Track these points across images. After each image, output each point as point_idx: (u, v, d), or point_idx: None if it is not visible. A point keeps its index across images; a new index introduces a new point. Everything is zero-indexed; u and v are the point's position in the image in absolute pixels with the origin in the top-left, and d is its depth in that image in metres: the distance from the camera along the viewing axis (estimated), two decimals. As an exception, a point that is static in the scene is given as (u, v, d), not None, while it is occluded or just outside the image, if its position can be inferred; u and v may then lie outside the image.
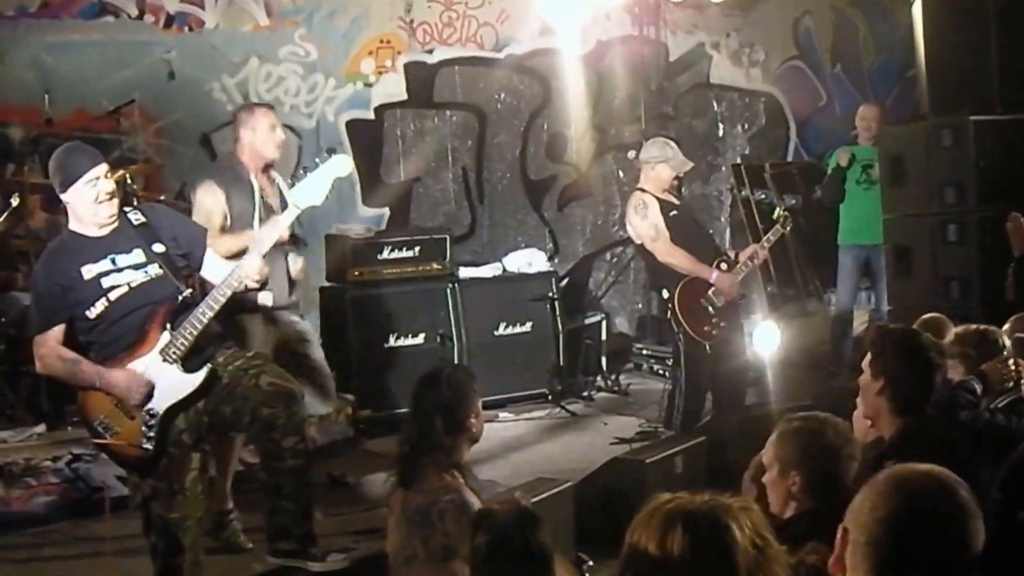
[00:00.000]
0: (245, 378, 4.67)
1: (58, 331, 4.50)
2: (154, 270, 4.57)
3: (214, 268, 4.81)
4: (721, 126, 11.40)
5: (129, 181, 7.29)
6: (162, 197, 7.89)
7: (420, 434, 4.07)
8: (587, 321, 9.34)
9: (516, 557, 3.07)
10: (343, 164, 4.96)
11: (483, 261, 9.21)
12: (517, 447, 7.29)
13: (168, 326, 4.50)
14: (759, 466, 3.45)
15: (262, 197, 5.65)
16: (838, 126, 10.78)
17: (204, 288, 4.77)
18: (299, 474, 4.87)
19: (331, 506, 5.85)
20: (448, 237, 8.63)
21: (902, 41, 10.26)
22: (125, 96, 8.40)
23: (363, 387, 7.78)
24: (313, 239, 6.94)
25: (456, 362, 7.98)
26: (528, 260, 9.00)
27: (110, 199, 4.52)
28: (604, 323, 9.43)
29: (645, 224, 7.03)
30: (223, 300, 4.54)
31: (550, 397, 8.46)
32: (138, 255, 4.57)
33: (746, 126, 11.53)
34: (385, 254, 8.26)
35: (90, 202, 4.48)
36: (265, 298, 5.48)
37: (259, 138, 5.69)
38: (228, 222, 5.57)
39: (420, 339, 8.25)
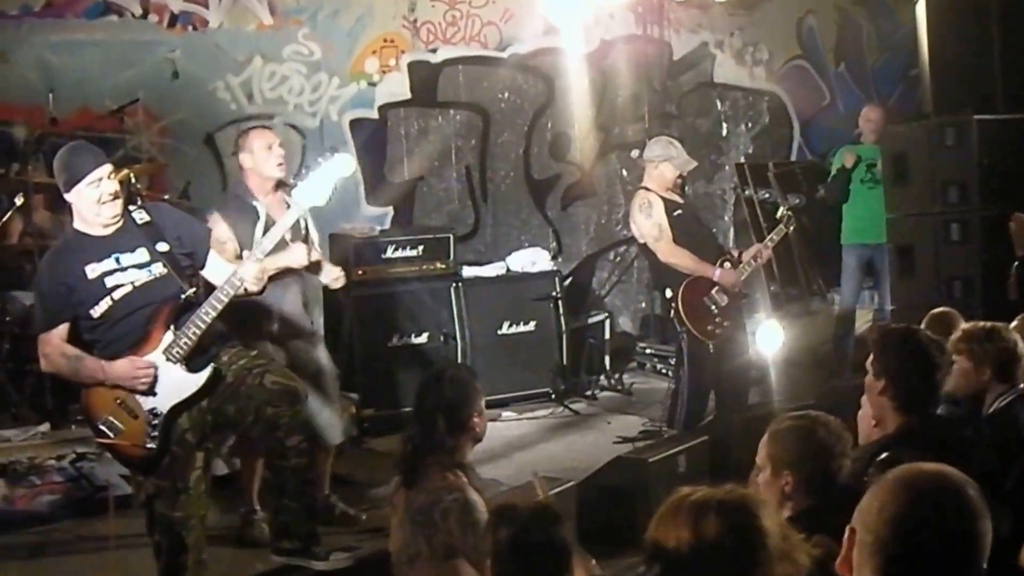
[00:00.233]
0: (249, 377, 4.68)
1: (62, 330, 4.51)
2: (158, 269, 4.57)
3: (216, 269, 4.82)
4: (725, 125, 11.40)
5: (133, 180, 7.30)
6: (166, 196, 7.90)
7: (423, 434, 4.07)
8: (590, 320, 9.34)
9: (539, 552, 3.09)
10: (345, 163, 4.97)
11: (487, 260, 9.21)
12: (520, 446, 7.30)
13: (172, 325, 4.51)
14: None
15: (269, 216, 5.59)
16: (842, 125, 10.77)
17: (208, 287, 4.77)
18: (302, 473, 4.88)
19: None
20: (452, 236, 8.64)
21: (905, 40, 10.26)
22: (129, 95, 8.41)
23: (366, 386, 7.79)
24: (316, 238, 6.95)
25: (459, 362, 7.99)
26: (532, 259, 9.00)
27: (113, 200, 4.52)
28: (607, 322, 9.43)
29: (649, 223, 7.03)
30: (226, 300, 4.55)
31: (553, 396, 8.47)
32: (142, 254, 4.58)
33: (750, 125, 11.52)
34: (389, 253, 8.27)
35: (93, 203, 4.49)
36: (270, 328, 5.53)
37: (258, 160, 5.65)
38: (239, 249, 5.51)
39: (424, 338, 8.26)
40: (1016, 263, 6.64)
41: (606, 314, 9.56)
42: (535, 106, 10.51)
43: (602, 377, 9.08)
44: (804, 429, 3.35)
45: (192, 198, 8.68)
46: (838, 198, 8.83)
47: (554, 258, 9.53)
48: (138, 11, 8.83)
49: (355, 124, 9.71)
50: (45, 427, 6.83)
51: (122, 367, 4.44)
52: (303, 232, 5.69)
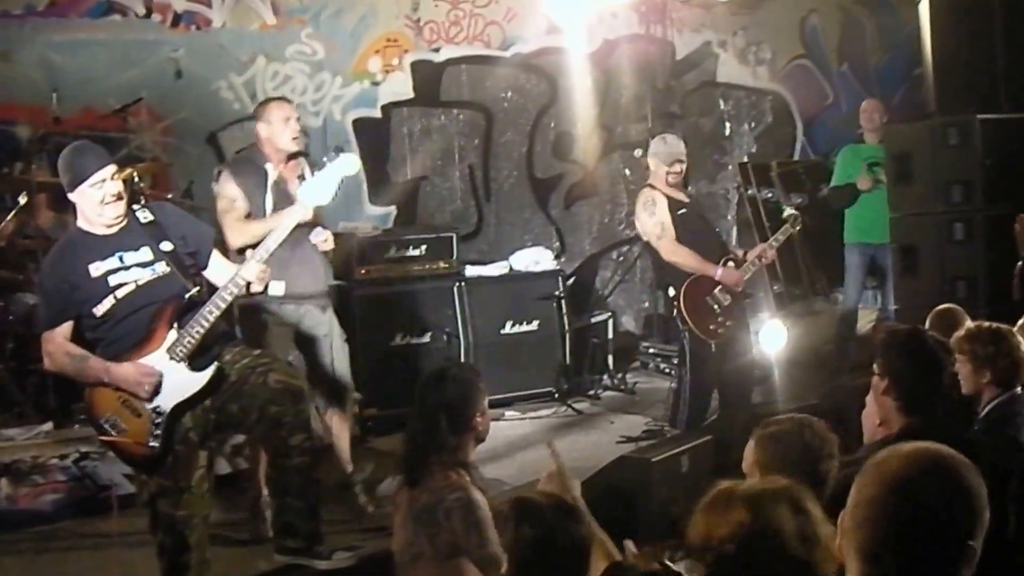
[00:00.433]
0: (253, 376, 4.68)
1: (66, 328, 4.51)
2: (161, 268, 4.58)
3: (219, 269, 4.83)
4: (728, 125, 11.39)
5: (136, 179, 7.30)
6: (169, 195, 7.90)
7: (425, 432, 4.08)
8: (593, 320, 9.34)
9: (561, 548, 3.12)
10: (351, 163, 4.97)
11: (489, 259, 9.21)
12: (523, 446, 7.29)
13: (175, 324, 4.51)
14: None
15: (278, 185, 5.67)
16: (845, 125, 10.76)
17: (210, 288, 4.78)
18: (306, 472, 4.88)
19: (337, 504, 5.86)
20: (455, 235, 8.64)
21: (909, 40, 10.25)
22: (132, 95, 8.42)
23: (369, 385, 7.78)
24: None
25: (462, 360, 7.98)
26: (535, 259, 9.00)
27: (116, 201, 4.53)
28: (611, 322, 9.43)
29: (652, 221, 7.04)
30: (229, 299, 4.56)
31: (556, 396, 8.47)
32: (146, 253, 4.58)
33: (753, 125, 11.52)
34: (392, 252, 8.27)
35: (96, 203, 4.49)
36: (276, 288, 5.54)
37: (275, 131, 5.76)
38: (249, 207, 5.66)
39: (426, 337, 8.26)
40: (1020, 263, 6.63)
41: (609, 313, 9.56)
42: (538, 105, 10.51)
43: (605, 377, 9.08)
44: (789, 433, 3.34)
45: (195, 197, 8.67)
46: (843, 206, 8.82)
47: (557, 257, 9.52)
48: (141, 11, 8.83)
49: (358, 123, 9.71)
50: (48, 426, 6.84)
51: (127, 371, 4.45)
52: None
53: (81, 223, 4.61)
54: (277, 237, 4.82)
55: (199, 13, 9.04)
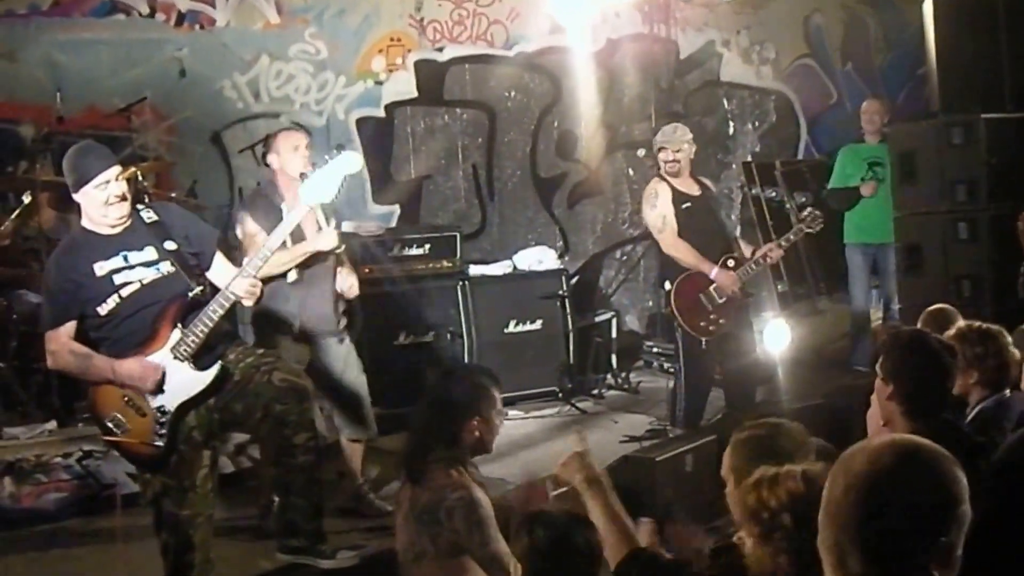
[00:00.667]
0: (257, 375, 4.68)
1: (70, 327, 4.52)
2: (166, 267, 4.58)
3: (221, 271, 4.83)
4: (731, 124, 11.38)
5: (140, 178, 7.30)
6: (172, 194, 7.91)
7: (424, 429, 4.09)
8: (597, 319, 9.34)
9: (573, 555, 3.17)
10: (352, 161, 4.97)
11: (493, 259, 9.22)
12: (527, 445, 7.29)
13: (179, 323, 4.51)
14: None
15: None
16: (848, 124, 10.72)
17: (214, 288, 4.78)
18: (309, 471, 4.88)
19: (340, 503, 5.86)
20: (458, 235, 8.65)
21: (913, 39, 10.24)
22: (136, 94, 8.42)
23: (373, 384, 7.74)
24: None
25: (468, 361, 7.98)
26: (538, 258, 9.00)
27: (120, 202, 4.53)
28: (614, 321, 9.43)
29: (653, 214, 7.03)
30: (228, 305, 4.56)
31: (560, 395, 8.47)
32: (150, 252, 4.59)
33: (756, 124, 11.51)
34: (395, 251, 8.28)
35: (100, 204, 4.50)
36: (292, 275, 5.73)
37: (284, 161, 5.86)
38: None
39: (430, 337, 8.27)
40: (1024, 261, 6.63)
41: (613, 313, 9.56)
42: (541, 105, 10.50)
43: (609, 376, 9.09)
44: (762, 438, 3.33)
45: (199, 196, 8.70)
46: (844, 208, 8.79)
47: (561, 257, 9.53)
48: (145, 10, 8.83)
49: (361, 123, 9.71)
50: (52, 425, 6.84)
51: (131, 366, 4.45)
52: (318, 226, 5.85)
53: (86, 222, 4.62)
54: (280, 237, 4.82)
55: (203, 12, 9.04)
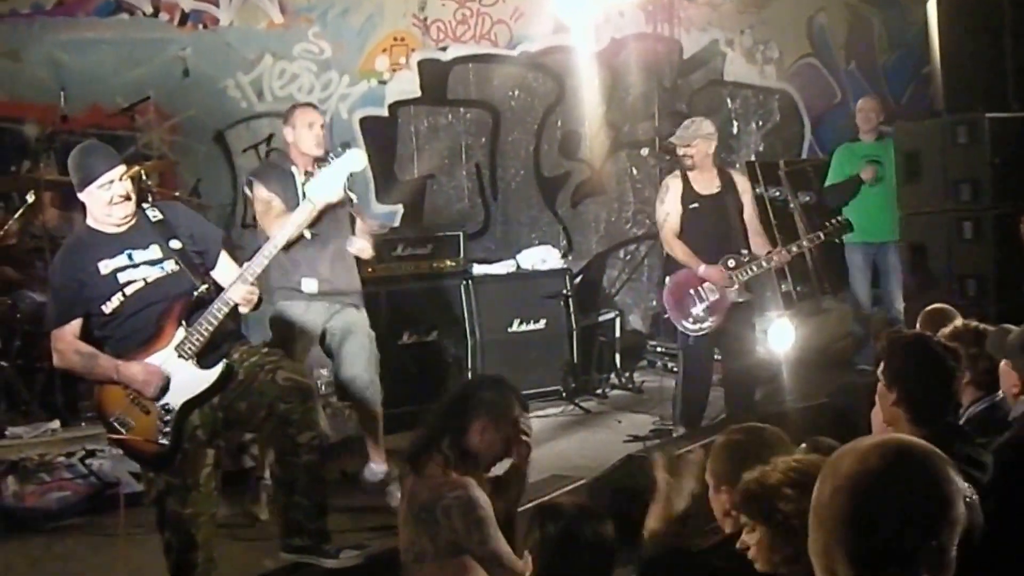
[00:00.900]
0: (261, 373, 4.67)
1: (75, 325, 4.52)
2: (170, 266, 4.58)
3: (225, 271, 4.83)
4: (735, 123, 11.38)
5: (144, 178, 7.30)
6: (176, 193, 7.91)
7: (436, 420, 4.12)
8: (601, 318, 9.33)
9: (585, 547, 3.20)
10: (357, 159, 4.97)
11: (497, 258, 9.21)
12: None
13: (184, 322, 4.51)
14: None
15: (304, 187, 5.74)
16: (852, 123, 10.71)
17: (218, 287, 4.77)
18: (313, 470, 4.87)
19: (344, 502, 5.86)
20: (462, 234, 8.65)
21: (917, 38, 10.21)
22: (140, 93, 8.42)
23: (376, 384, 7.78)
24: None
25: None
26: (542, 257, 9.00)
27: (124, 201, 4.53)
28: (618, 320, 9.41)
29: (661, 209, 7.15)
30: (227, 310, 4.57)
31: (564, 394, 8.46)
32: (155, 251, 4.59)
33: (760, 123, 11.50)
34: (399, 251, 8.28)
35: (104, 204, 4.51)
36: (309, 286, 5.85)
37: (299, 135, 5.96)
38: (284, 206, 5.78)
39: (433, 336, 8.26)
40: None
41: (616, 312, 9.55)
42: (545, 104, 10.50)
43: (612, 375, 9.08)
44: (742, 443, 3.33)
45: (202, 195, 8.70)
46: (843, 203, 8.76)
47: (564, 256, 9.51)
48: (149, 9, 8.84)
49: (365, 122, 9.71)
50: (55, 424, 6.83)
51: (134, 370, 4.45)
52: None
53: (90, 221, 4.62)
54: (284, 237, 4.82)
55: (206, 12, 9.05)
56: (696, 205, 7.02)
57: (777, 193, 10.41)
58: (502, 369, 7.86)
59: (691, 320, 6.96)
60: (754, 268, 6.95)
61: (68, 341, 4.51)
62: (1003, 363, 4.22)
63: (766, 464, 3.06)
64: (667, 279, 7.11)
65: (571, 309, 8.74)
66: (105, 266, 4.50)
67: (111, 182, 4.49)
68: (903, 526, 1.94)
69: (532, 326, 8.60)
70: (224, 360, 4.57)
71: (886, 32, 11.88)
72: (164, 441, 4.47)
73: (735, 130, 11.37)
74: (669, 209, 7.06)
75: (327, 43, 9.50)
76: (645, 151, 10.76)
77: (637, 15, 10.75)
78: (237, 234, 8.48)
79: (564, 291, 8.72)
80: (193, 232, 4.77)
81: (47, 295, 5.09)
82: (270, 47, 9.28)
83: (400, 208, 9.87)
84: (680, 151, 7.10)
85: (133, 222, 4.60)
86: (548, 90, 10.50)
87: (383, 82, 9.79)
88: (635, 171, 10.83)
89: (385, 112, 9.82)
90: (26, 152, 7.91)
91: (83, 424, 6.76)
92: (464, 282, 8.45)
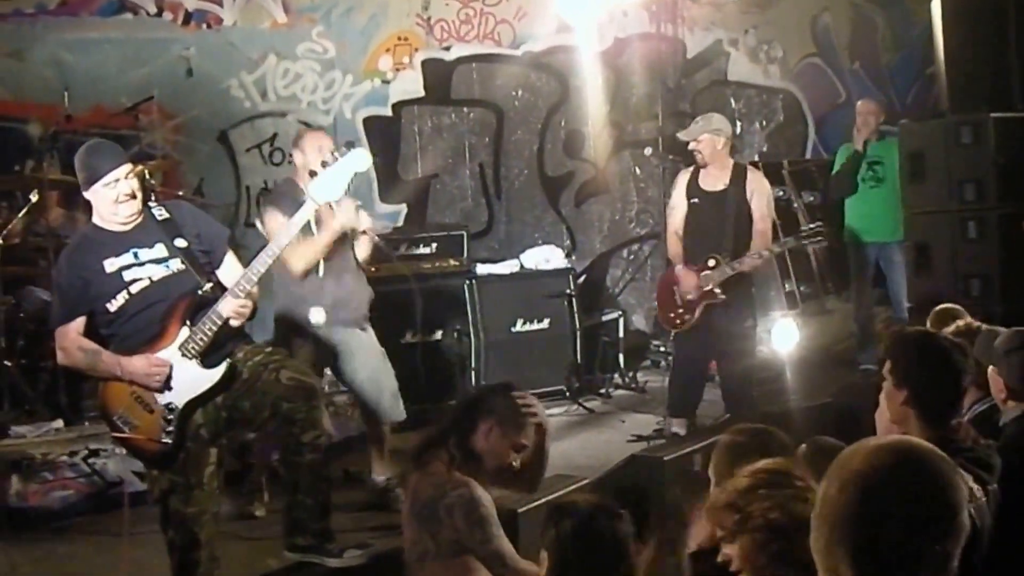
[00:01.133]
0: (265, 373, 4.67)
1: (79, 323, 4.51)
2: (175, 265, 4.58)
3: (231, 271, 4.82)
4: (739, 123, 11.35)
5: (148, 177, 7.31)
6: (180, 193, 7.92)
7: (447, 419, 4.16)
8: (604, 318, 9.32)
9: (600, 544, 3.21)
10: (362, 158, 4.95)
11: (500, 258, 9.22)
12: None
13: (188, 321, 4.50)
14: None
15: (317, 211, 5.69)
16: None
17: (223, 287, 4.77)
18: (317, 469, 4.86)
19: (347, 502, 5.86)
20: (465, 234, 8.65)
21: (921, 38, 10.23)
22: (143, 93, 8.44)
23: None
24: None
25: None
26: (545, 257, 8.99)
27: (129, 200, 4.53)
28: (621, 320, 9.40)
29: (669, 204, 7.31)
30: (223, 318, 4.56)
31: (567, 394, 8.45)
32: (160, 250, 4.58)
33: (764, 123, 11.49)
34: (402, 251, 8.26)
35: (110, 202, 4.50)
36: (317, 316, 5.86)
37: (308, 160, 5.85)
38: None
39: (437, 335, 8.26)
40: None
41: (620, 312, 9.54)
42: (549, 104, 10.51)
43: (616, 375, 9.07)
44: (744, 444, 3.32)
45: (206, 195, 8.71)
46: (846, 192, 8.72)
47: (568, 256, 9.51)
48: (153, 9, 8.86)
49: (369, 122, 9.72)
50: (58, 423, 6.85)
51: (138, 363, 4.45)
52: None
53: (96, 219, 4.62)
54: (288, 235, 4.80)
55: (210, 11, 9.06)
56: (696, 200, 7.02)
57: (781, 193, 10.40)
58: (505, 369, 7.88)
59: (672, 317, 7.07)
60: (730, 270, 6.84)
61: (72, 338, 4.51)
62: (990, 369, 4.18)
63: None
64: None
65: (575, 309, 8.73)
66: (111, 264, 4.50)
67: (117, 180, 4.49)
68: (908, 528, 1.93)
69: (536, 326, 8.59)
70: (228, 359, 4.57)
71: (890, 32, 11.87)
72: (167, 440, 4.46)
73: (739, 130, 11.33)
74: (674, 203, 7.17)
75: (331, 43, 9.51)
76: (649, 151, 10.75)
77: (641, 15, 10.75)
78: (240, 233, 8.48)
79: (568, 291, 8.71)
80: (199, 231, 4.76)
81: (52, 293, 5.08)
82: (274, 47, 9.30)
83: (404, 208, 9.89)
84: (689, 147, 7.10)
85: (139, 220, 4.60)
86: (552, 90, 10.50)
87: (387, 82, 9.80)
88: (639, 171, 10.83)
89: (389, 112, 9.83)
90: (30, 151, 7.92)
91: (86, 423, 6.77)
92: (467, 282, 8.44)
